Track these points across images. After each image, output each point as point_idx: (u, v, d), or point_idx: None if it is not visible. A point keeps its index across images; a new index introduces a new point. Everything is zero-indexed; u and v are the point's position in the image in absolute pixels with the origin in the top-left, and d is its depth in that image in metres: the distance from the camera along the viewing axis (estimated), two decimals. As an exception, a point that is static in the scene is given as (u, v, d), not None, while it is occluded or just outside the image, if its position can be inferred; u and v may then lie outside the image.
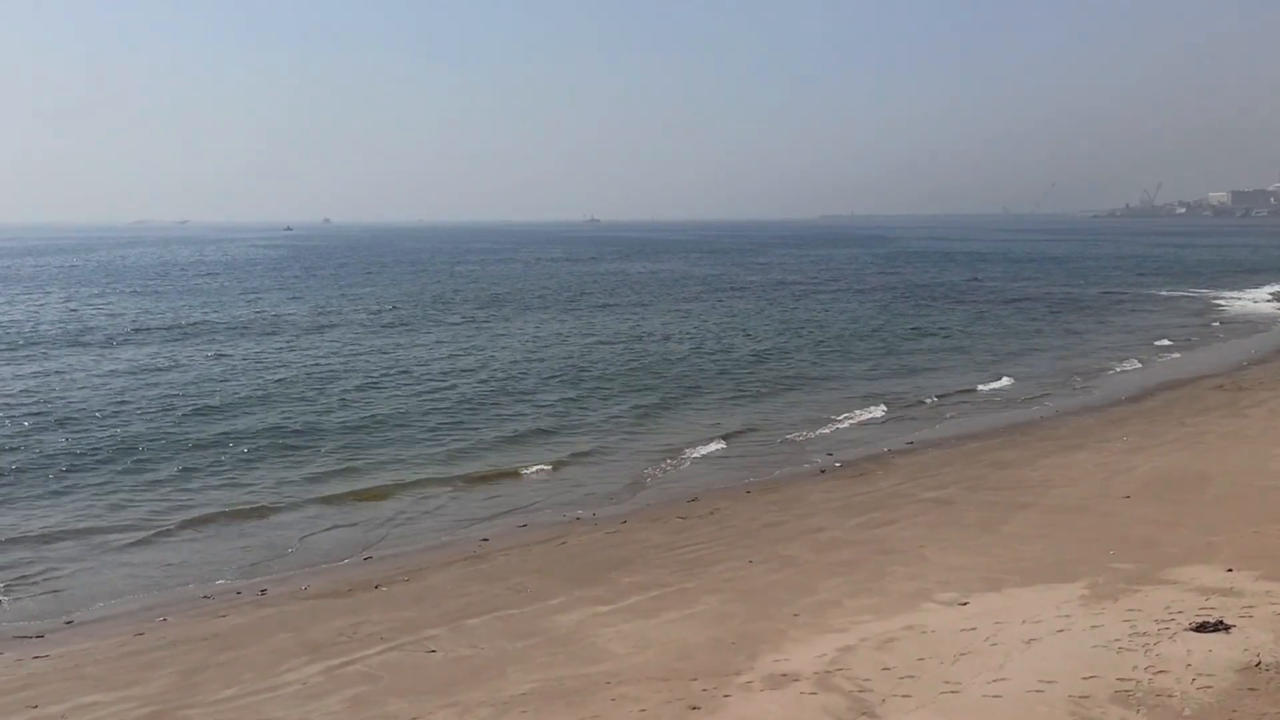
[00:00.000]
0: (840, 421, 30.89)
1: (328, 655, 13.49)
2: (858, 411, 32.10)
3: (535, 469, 25.53)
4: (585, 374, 39.34)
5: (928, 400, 33.96)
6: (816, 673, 11.83)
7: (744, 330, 53.69)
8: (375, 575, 17.78)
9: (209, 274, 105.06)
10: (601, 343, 48.88)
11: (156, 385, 36.05)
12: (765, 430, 29.89)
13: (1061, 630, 12.63)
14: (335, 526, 21.36)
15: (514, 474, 25.23)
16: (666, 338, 50.75)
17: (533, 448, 27.79)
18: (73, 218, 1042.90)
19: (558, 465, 26.00)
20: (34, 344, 46.34)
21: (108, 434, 28.23)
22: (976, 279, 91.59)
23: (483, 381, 37.61)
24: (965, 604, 14.13)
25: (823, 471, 24.92)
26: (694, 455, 27.02)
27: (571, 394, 35.20)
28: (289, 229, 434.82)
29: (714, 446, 27.91)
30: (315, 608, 15.98)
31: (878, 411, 32.15)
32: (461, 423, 30.68)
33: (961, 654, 12.09)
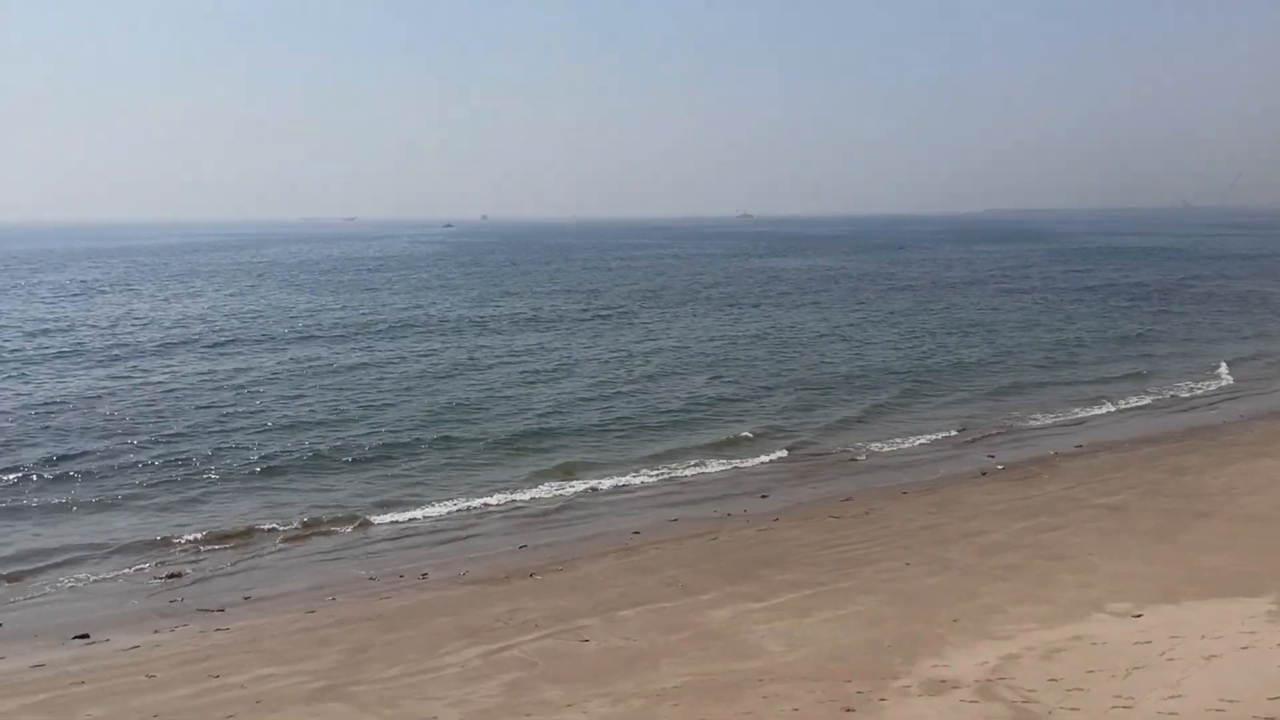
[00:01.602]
0: (1011, 422, 30.00)
1: (485, 640, 13.80)
2: (1028, 415, 31.07)
3: (691, 466, 25.60)
4: (732, 371, 39.24)
5: (1104, 406, 32.44)
6: (978, 680, 11.45)
7: (919, 330, 52.54)
8: (530, 564, 18.13)
9: (376, 269, 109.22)
10: (753, 338, 48.64)
11: (325, 380, 37.74)
12: (919, 431, 29.20)
13: (1245, 647, 11.88)
14: (491, 514, 21.93)
15: (669, 468, 25.38)
16: (823, 335, 50.14)
17: (684, 443, 27.89)
18: (248, 216, 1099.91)
19: (707, 461, 26.02)
20: (221, 343, 48.77)
21: (284, 428, 29.68)
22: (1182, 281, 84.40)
23: (647, 377, 37.94)
24: (1139, 616, 13.44)
25: (984, 473, 24.17)
26: (846, 454, 26.63)
27: (729, 391, 35.16)
28: (449, 225, 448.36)
29: (871, 445, 27.46)
30: (473, 593, 16.40)
31: (1045, 416, 31.01)
32: (622, 417, 30.99)
33: (1134, 668, 11.51)
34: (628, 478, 24.53)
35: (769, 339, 48.44)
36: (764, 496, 22.91)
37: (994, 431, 29.01)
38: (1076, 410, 31.53)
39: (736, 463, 25.95)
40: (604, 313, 60.36)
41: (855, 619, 14.07)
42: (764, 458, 26.29)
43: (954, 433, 28.75)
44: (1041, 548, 17.17)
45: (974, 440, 28.02)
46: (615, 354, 43.56)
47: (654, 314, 59.90)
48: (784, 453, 26.81)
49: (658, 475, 24.82)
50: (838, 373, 38.54)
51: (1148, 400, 33.19)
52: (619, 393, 34.62)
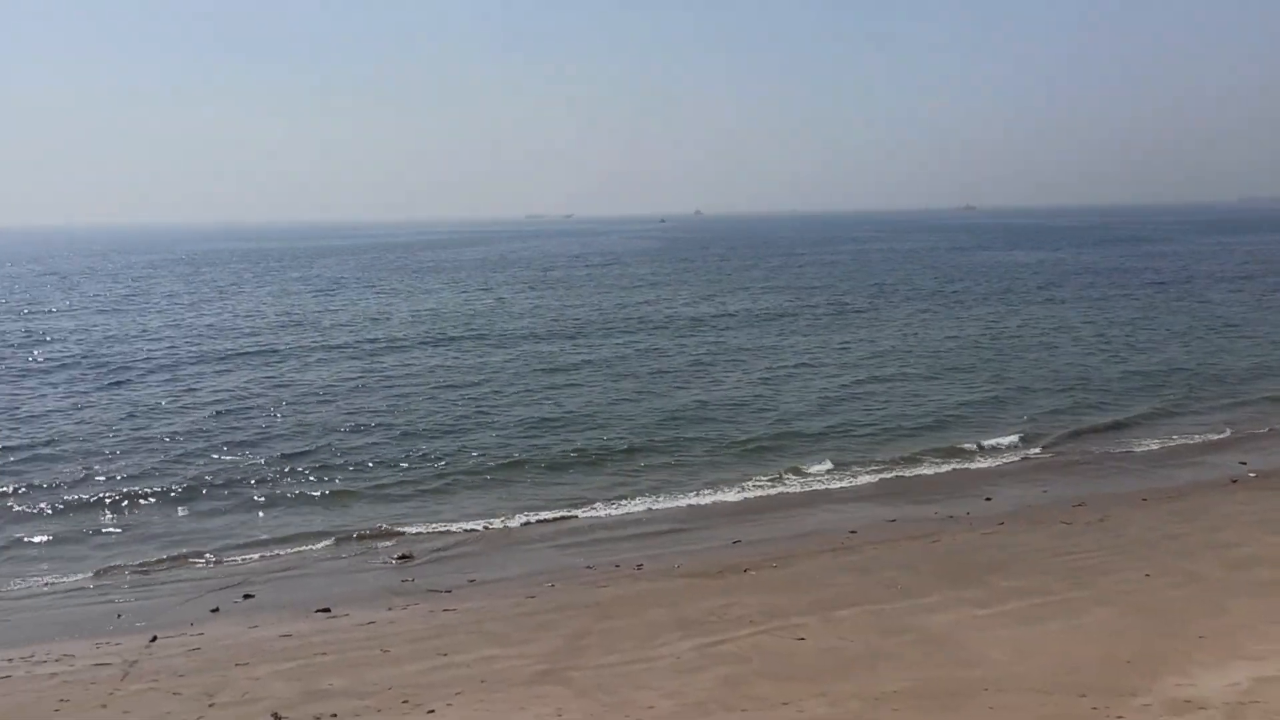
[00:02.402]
0: (1266, 428, 27.81)
1: (699, 633, 13.84)
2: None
3: (910, 467, 24.97)
4: (958, 371, 37.97)
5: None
6: (1227, 703, 10.59)
7: (1163, 329, 49.48)
8: (744, 559, 18.06)
9: (600, 265, 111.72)
10: (981, 336, 46.94)
11: (552, 378, 38.91)
12: (1158, 435, 27.40)
13: None
14: (705, 510, 22.05)
15: (886, 467, 24.84)
16: (1056, 333, 47.80)
17: (904, 443, 27.23)
18: (472, 214, 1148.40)
19: (926, 461, 25.29)
20: (457, 338, 50.73)
21: (515, 425, 30.81)
22: None
23: (873, 378, 37.34)
24: None
25: (1234, 481, 22.43)
26: (1077, 458, 25.33)
27: (954, 391, 34.12)
28: (663, 220, 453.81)
29: (1106, 448, 26.01)
30: (688, 586, 16.47)
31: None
32: (846, 419, 30.58)
33: None
34: (846, 477, 24.11)
35: (998, 336, 46.60)
36: (987, 499, 22.02)
37: (1245, 436, 26.88)
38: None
39: (956, 464, 25.13)
40: (826, 310, 59.47)
41: (1090, 631, 13.29)
42: (986, 461, 25.33)
43: (1198, 439, 26.81)
44: (1303, 563, 15.75)
45: (1224, 446, 26.03)
46: (841, 352, 42.88)
47: (881, 310, 58.57)
48: (1008, 455, 25.74)
49: (875, 475, 24.30)
50: (1070, 374, 36.61)
51: None
52: (844, 392, 34.09)
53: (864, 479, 24.01)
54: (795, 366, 39.07)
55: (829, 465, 24.90)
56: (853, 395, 33.54)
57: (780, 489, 23.36)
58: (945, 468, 24.86)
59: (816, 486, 23.55)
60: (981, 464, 25.12)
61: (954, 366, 38.39)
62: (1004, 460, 25.36)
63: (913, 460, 25.40)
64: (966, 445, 26.65)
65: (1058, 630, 13.37)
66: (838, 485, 23.67)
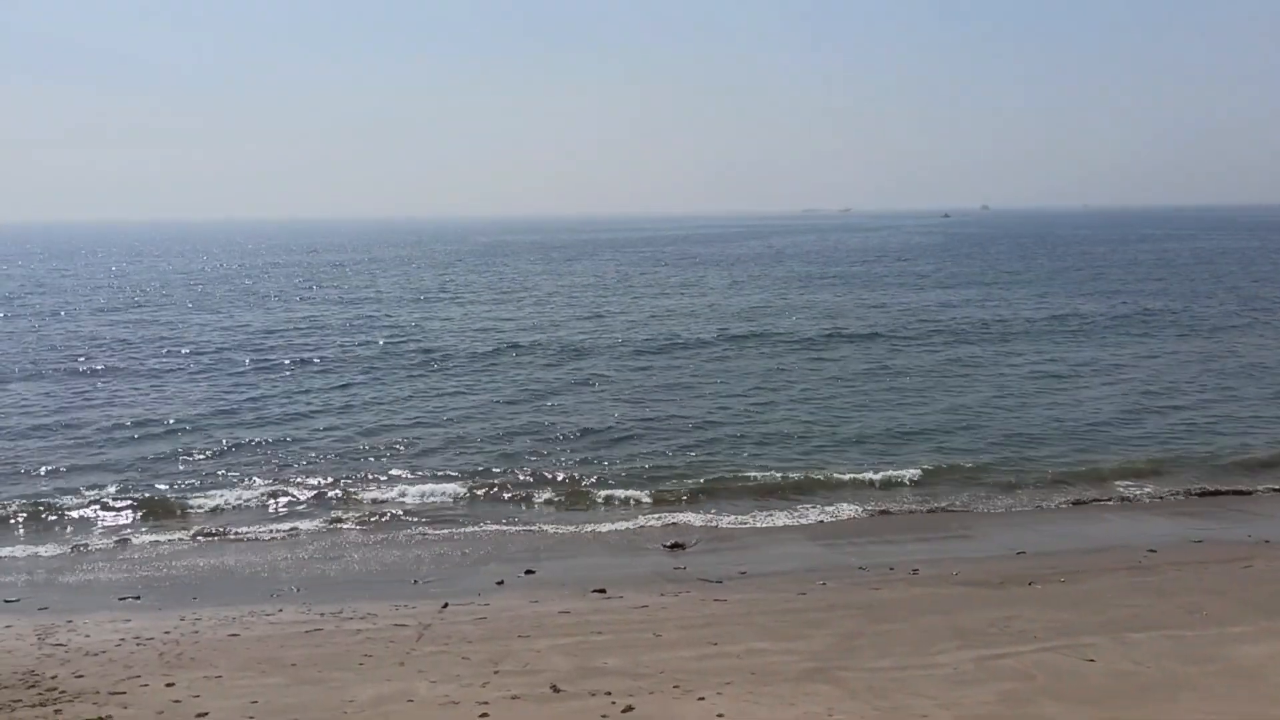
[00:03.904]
0: None
1: (978, 644, 13.28)
2: None
3: (1216, 483, 22.99)
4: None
5: None
6: None
7: None
8: (1028, 571, 17.20)
9: (875, 260, 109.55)
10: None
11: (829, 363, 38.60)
12: None
13: None
14: (987, 517, 21.20)
15: (1191, 483, 22.99)
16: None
17: (1213, 459, 25.07)
18: (754, 208, 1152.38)
19: (1238, 479, 23.22)
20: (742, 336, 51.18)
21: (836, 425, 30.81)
22: None
23: (1217, 386, 34.70)
24: None
25: None
26: None
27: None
28: (946, 215, 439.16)
29: None
30: (966, 594, 15.87)
31: None
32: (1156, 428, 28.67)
33: None
34: (1147, 491, 22.48)
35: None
36: (1317, 524, 19.93)
37: None
38: None
39: (1273, 484, 22.82)
40: (1142, 321, 55.27)
41: None
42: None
43: None
44: None
45: None
46: (1171, 362, 39.90)
47: (1213, 320, 53.66)
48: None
49: (1177, 490, 22.49)
50: None
51: None
52: (1166, 403, 31.85)
53: (1168, 494, 22.27)
54: (1102, 371, 36.58)
55: (1126, 475, 23.28)
56: (1168, 409, 31.05)
57: (1070, 498, 22.09)
58: (1260, 485, 22.65)
59: (1114, 499, 22.08)
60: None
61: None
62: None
63: (1221, 477, 23.30)
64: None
65: (1394, 675, 11.88)
66: (1138, 498, 22.09)
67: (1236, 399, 31.83)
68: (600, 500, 22.53)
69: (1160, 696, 11.39)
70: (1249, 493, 22.53)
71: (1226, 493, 22.48)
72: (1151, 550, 18.35)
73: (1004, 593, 15.95)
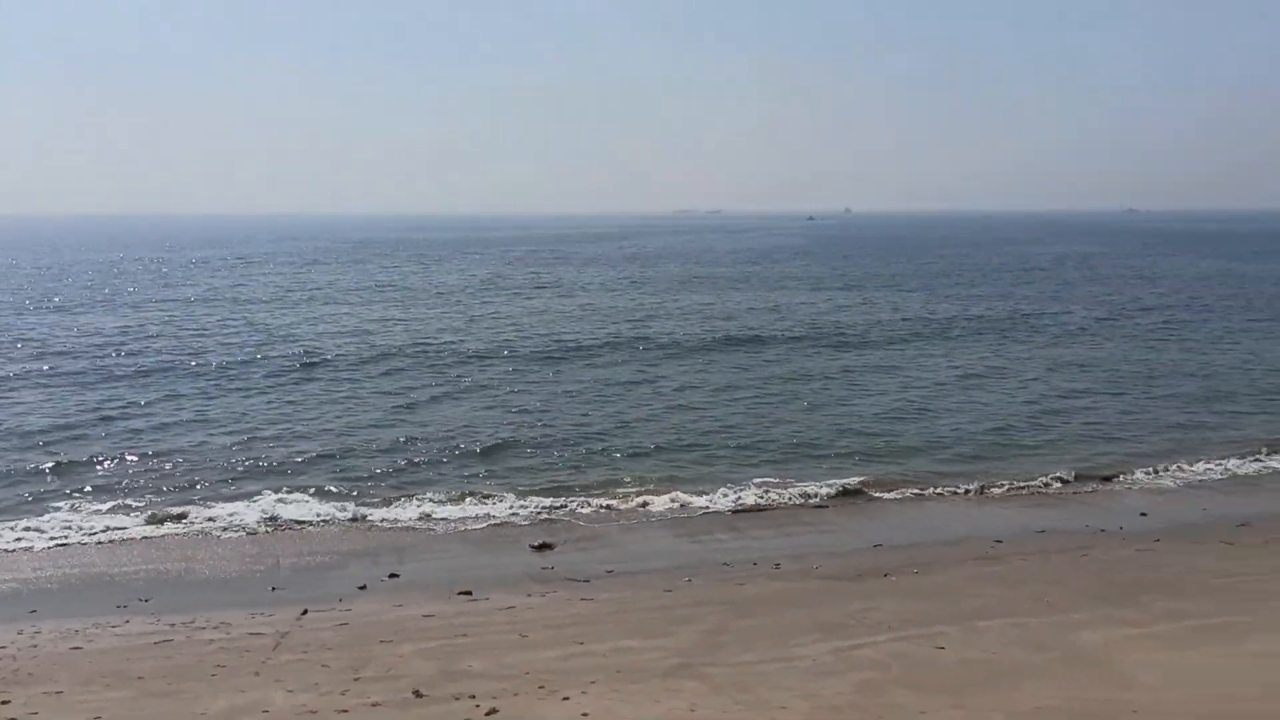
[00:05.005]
0: None
1: (837, 636, 13.65)
2: None
3: (1055, 478, 24.12)
4: (1112, 386, 36.49)
5: None
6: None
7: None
8: (885, 564, 17.77)
9: (752, 262, 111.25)
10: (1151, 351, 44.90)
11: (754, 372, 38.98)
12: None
13: None
14: (845, 509, 21.80)
15: (1030, 478, 24.09)
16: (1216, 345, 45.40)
17: (1052, 455, 26.33)
18: (628, 208, 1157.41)
19: (1072, 472, 24.39)
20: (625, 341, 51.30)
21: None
22: None
23: (1051, 394, 36.20)
24: None
25: None
26: (1239, 476, 24.12)
27: (1099, 405, 32.80)
28: (811, 218, 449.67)
29: (1266, 470, 24.65)
30: (826, 588, 16.30)
31: None
32: (994, 427, 29.80)
33: None
34: (994, 486, 23.47)
35: (1165, 349, 44.67)
36: (1143, 515, 21.14)
37: None
38: None
39: (1109, 480, 24.08)
40: (991, 319, 57.84)
41: (1250, 658, 12.57)
42: (1142, 477, 24.21)
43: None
44: None
45: None
46: (1000, 363, 41.80)
47: (1046, 320, 56.63)
48: (1163, 468, 24.62)
49: (1024, 485, 23.56)
50: (1237, 391, 34.82)
51: None
52: (1002, 404, 33.36)
53: (1012, 490, 23.29)
54: (961, 377, 37.57)
55: (973, 475, 24.28)
56: (1010, 407, 32.52)
57: (923, 493, 22.89)
58: (1096, 484, 23.86)
59: (963, 494, 22.97)
60: (1137, 480, 24.01)
61: (1116, 382, 36.91)
62: (1161, 477, 24.20)
63: (1058, 471, 24.47)
64: (1121, 460, 25.57)
65: (1216, 655, 12.69)
66: (986, 493, 23.03)
67: (1081, 396, 33.50)
68: (467, 502, 22.24)
69: (1006, 682, 11.91)
70: (1085, 489, 23.68)
71: (1069, 485, 23.58)
72: (998, 541, 19.18)
73: (862, 585, 16.43)
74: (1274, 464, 25.07)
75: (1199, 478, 24.15)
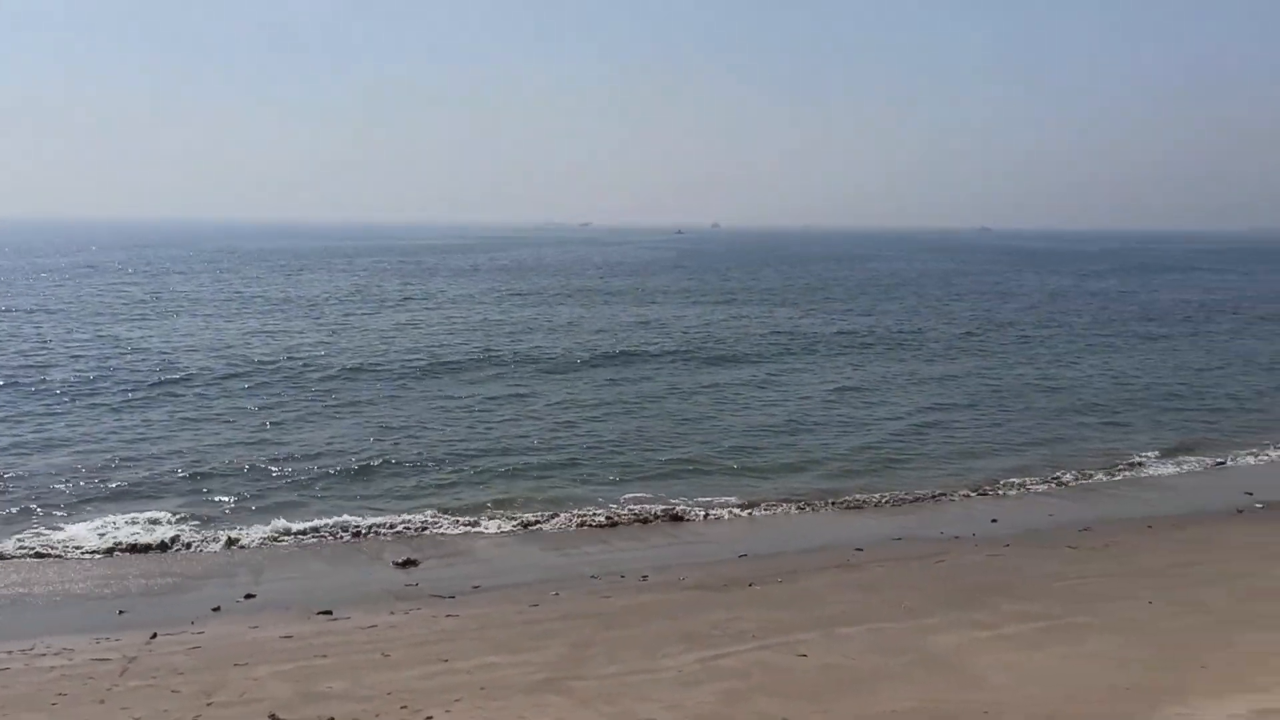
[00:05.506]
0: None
1: (702, 646, 13.80)
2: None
3: (913, 487, 24.89)
4: (974, 401, 37.90)
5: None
6: (1229, 734, 10.52)
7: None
8: (749, 573, 18.03)
9: (619, 275, 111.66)
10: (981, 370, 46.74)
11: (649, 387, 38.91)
12: (1170, 461, 27.47)
13: None
14: (712, 522, 22.09)
15: (897, 487, 24.81)
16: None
17: (903, 465, 27.18)
18: (483, 218, 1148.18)
19: (929, 483, 25.24)
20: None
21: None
22: None
23: (863, 405, 37.21)
24: None
25: (1240, 512, 22.38)
26: (1081, 484, 25.40)
27: (960, 420, 34.02)
28: (680, 232, 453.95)
29: (1107, 477, 26.03)
30: (692, 599, 16.46)
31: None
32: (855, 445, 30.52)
33: None
34: (854, 496, 24.07)
35: (1010, 368, 46.61)
36: (994, 521, 22.01)
37: (1252, 466, 26.92)
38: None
39: (964, 490, 24.98)
40: (849, 336, 59.47)
41: (1092, 658, 13.22)
42: (992, 486, 25.20)
43: (1207, 468, 26.94)
44: (1315, 597, 15.64)
45: (1231, 475, 26.07)
46: (880, 378, 42.79)
47: (918, 339, 58.51)
48: (1010, 478, 25.70)
49: (884, 495, 24.24)
50: (1079, 402, 36.74)
51: None
52: (861, 417, 34.18)
53: (873, 499, 23.94)
54: (830, 392, 38.28)
55: (833, 484, 24.90)
56: (864, 421, 33.49)
57: (788, 506, 23.33)
58: (954, 492, 24.73)
59: (825, 504, 23.51)
60: (988, 489, 24.99)
61: (972, 395, 38.35)
62: (1010, 486, 25.24)
63: (920, 481, 25.32)
64: (973, 471, 26.59)
65: (1059, 656, 13.30)
66: (847, 504, 23.61)
67: (945, 409, 34.72)
68: (328, 519, 21.61)
69: (864, 687, 12.25)
70: (944, 495, 24.52)
71: (924, 496, 24.37)
72: (859, 549, 19.69)
73: (727, 595, 16.64)
74: (1117, 474, 26.33)
75: (1047, 485, 25.25)
